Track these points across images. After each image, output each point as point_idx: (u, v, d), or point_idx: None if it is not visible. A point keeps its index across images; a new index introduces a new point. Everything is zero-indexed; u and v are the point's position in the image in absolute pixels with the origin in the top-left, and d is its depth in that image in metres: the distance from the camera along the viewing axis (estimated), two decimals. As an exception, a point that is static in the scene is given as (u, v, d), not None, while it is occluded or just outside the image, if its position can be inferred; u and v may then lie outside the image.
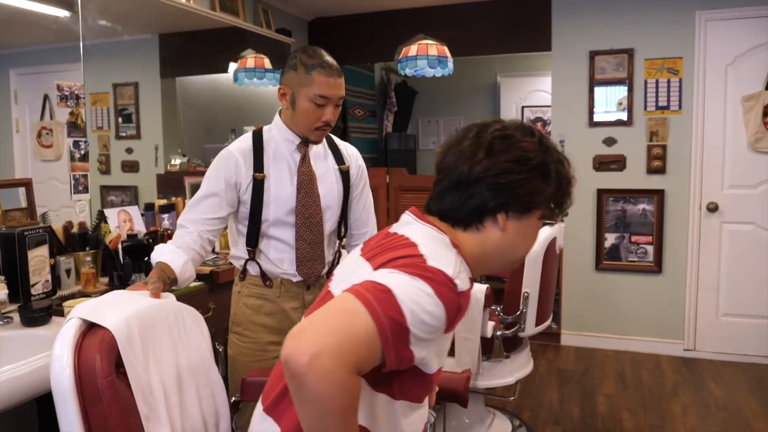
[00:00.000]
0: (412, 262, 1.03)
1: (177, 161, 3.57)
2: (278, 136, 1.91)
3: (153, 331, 1.36)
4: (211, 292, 2.44)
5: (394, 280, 0.99)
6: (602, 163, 4.29)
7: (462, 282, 1.05)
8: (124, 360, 1.24)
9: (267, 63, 4.11)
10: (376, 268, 1.05)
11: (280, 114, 1.92)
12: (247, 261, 1.94)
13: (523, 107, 6.39)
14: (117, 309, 1.31)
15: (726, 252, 4.14)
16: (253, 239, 1.89)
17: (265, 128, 1.94)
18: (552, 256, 2.73)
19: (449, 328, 1.04)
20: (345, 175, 2.00)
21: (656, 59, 4.13)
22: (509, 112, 6.40)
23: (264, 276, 1.93)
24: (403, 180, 4.56)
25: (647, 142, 4.19)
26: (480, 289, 2.59)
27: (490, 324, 2.62)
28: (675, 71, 4.10)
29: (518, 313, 2.58)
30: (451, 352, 2.58)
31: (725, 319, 4.14)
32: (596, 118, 4.28)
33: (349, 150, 2.07)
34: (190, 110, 3.79)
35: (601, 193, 4.31)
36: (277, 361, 1.13)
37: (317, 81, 1.78)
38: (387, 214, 4.49)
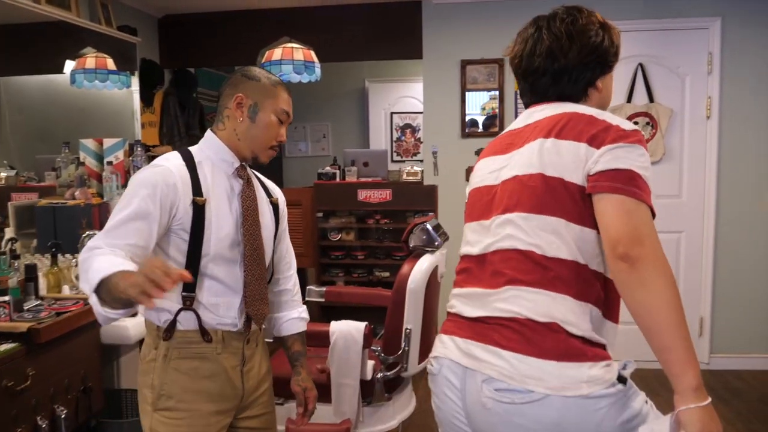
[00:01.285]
0: (617, 133, 1.25)
1: (2, 174, 3.00)
2: (214, 156, 1.62)
3: None
4: (29, 355, 1.96)
5: (623, 158, 1.22)
6: (475, 175, 4.21)
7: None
8: None
9: (110, 64, 3.60)
10: (598, 147, 1.24)
11: (214, 132, 1.64)
12: (179, 311, 1.55)
13: (392, 113, 6.24)
14: None
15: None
16: (191, 281, 1.45)
17: (194, 148, 1.64)
18: (434, 287, 2.52)
19: None
20: (275, 208, 1.79)
21: (525, 70, 4.11)
22: (378, 118, 6.24)
23: (202, 329, 1.57)
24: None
25: (518, 153, 4.16)
26: (358, 328, 2.34)
27: (370, 364, 2.37)
28: (543, 83, 4.10)
29: (400, 351, 2.35)
30: (327, 399, 2.30)
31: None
32: (468, 128, 4.18)
33: (270, 183, 1.84)
34: (19, 115, 3.21)
35: (475, 205, 4.23)
36: None
37: (282, 96, 1.65)
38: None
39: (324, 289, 2.99)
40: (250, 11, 4.40)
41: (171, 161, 1.55)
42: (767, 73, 3.96)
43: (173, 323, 1.55)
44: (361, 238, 4.48)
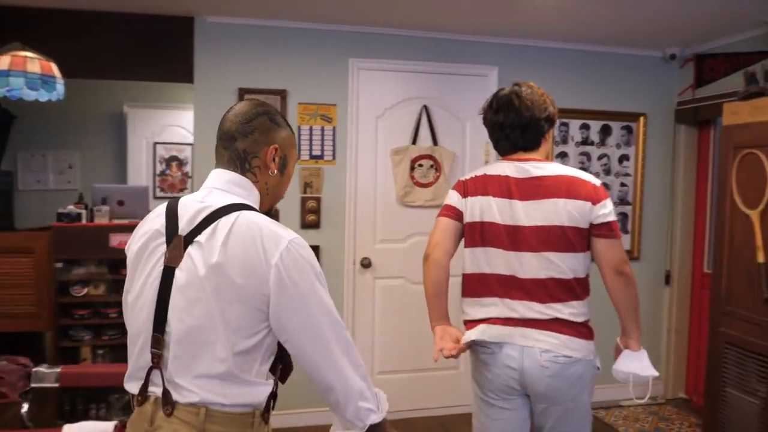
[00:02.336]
0: (599, 189, 2.04)
1: None
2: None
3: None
4: None
5: (609, 213, 2.02)
6: (254, 217, 3.75)
7: None
8: None
9: None
10: (594, 204, 2.00)
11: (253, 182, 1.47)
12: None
13: (155, 143, 5.51)
14: None
15: (379, 308, 3.99)
16: None
17: (239, 199, 1.43)
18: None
19: None
20: None
21: (310, 104, 3.78)
22: (138, 148, 5.45)
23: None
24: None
25: (301, 194, 3.81)
26: (106, 429, 1.72)
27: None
28: (329, 119, 3.81)
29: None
30: None
31: (380, 377, 3.97)
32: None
33: None
34: None
35: (254, 251, 3.75)
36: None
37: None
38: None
39: (59, 370, 2.25)
40: (-33, 6, 3.47)
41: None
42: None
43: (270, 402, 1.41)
44: (114, 292, 3.71)
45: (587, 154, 4.27)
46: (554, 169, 2.04)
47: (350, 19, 3.67)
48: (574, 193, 1.99)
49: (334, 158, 3.84)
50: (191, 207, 1.39)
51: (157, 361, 1.31)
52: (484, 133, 4.21)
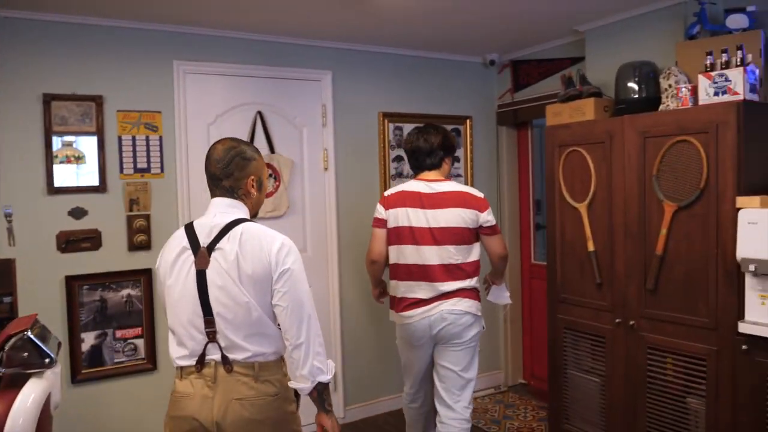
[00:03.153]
0: (483, 201, 2.99)
1: None
2: None
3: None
4: None
5: (491, 218, 2.98)
6: (71, 242, 3.26)
7: None
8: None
9: None
10: (481, 211, 2.95)
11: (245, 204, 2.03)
12: None
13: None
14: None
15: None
16: None
17: (243, 215, 2.00)
18: (46, 417, 1.64)
19: None
20: None
21: (132, 111, 3.39)
22: None
23: None
24: None
25: (127, 212, 3.39)
26: None
27: None
28: (154, 127, 3.44)
29: None
30: None
31: None
32: (58, 181, 3.22)
33: None
34: None
35: (72, 281, 3.25)
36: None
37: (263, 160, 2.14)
38: None
39: None
40: None
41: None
42: (372, 125, 4.15)
43: None
44: None
45: (422, 157, 4.36)
46: (452, 186, 2.98)
47: (174, 19, 3.34)
48: (467, 204, 2.93)
49: (162, 171, 3.48)
50: (206, 226, 1.91)
51: (213, 337, 1.83)
52: (321, 138, 4.15)
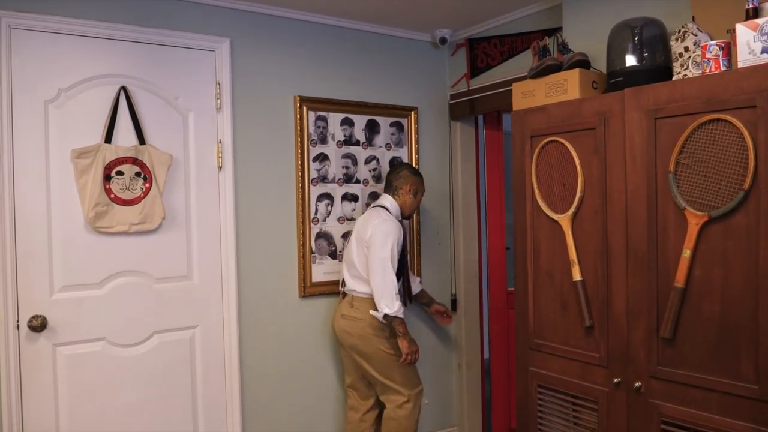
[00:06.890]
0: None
1: None
2: (395, 213, 3.09)
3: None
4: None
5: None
6: None
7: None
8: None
9: None
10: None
11: (394, 198, 3.12)
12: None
13: None
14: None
15: (67, 389, 2.64)
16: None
17: (389, 207, 3.09)
18: None
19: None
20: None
21: None
22: None
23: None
24: None
25: None
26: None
27: None
28: (-44, 101, 2.39)
29: None
30: None
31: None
32: None
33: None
34: None
35: None
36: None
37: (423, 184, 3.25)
38: None
39: None
40: None
41: (392, 215, 3.08)
42: (286, 112, 3.16)
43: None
44: None
45: (352, 157, 3.39)
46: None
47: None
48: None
49: (-29, 164, 2.42)
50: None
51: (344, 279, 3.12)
52: (214, 127, 3.09)
